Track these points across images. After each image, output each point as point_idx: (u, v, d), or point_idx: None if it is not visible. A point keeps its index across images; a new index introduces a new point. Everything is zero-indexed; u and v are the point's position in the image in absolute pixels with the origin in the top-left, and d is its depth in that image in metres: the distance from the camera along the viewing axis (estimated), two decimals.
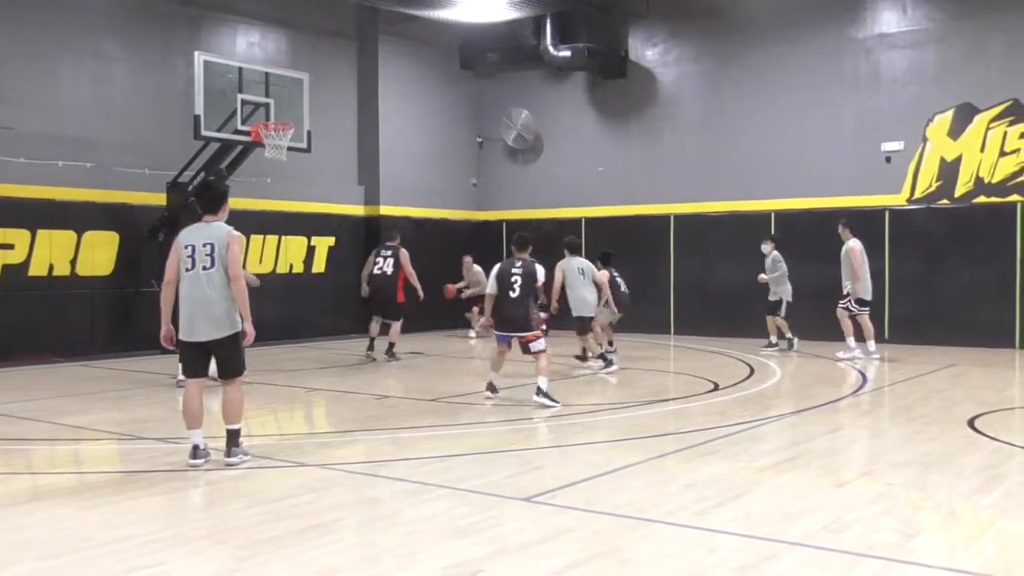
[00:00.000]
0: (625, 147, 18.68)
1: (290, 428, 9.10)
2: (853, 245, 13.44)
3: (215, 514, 5.54)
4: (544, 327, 9.95)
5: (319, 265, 17.47)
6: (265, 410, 9.51)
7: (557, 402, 9.24)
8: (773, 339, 14.90)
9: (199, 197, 7.10)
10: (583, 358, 12.80)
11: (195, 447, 6.63)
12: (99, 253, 14.36)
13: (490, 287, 9.72)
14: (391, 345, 13.71)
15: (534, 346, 9.51)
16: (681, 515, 5.37)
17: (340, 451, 7.49)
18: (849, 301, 13.45)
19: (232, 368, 6.72)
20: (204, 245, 6.61)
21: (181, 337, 6.67)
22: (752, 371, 12.29)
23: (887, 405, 9.87)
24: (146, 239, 14.44)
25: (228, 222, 6.83)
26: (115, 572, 4.46)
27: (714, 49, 17.70)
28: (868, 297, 13.52)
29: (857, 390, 10.60)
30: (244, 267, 12.86)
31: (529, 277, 9.56)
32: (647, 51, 18.47)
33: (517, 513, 5.45)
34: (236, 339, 6.67)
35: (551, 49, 18.13)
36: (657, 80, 18.35)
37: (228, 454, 6.67)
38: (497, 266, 9.84)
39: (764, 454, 7.13)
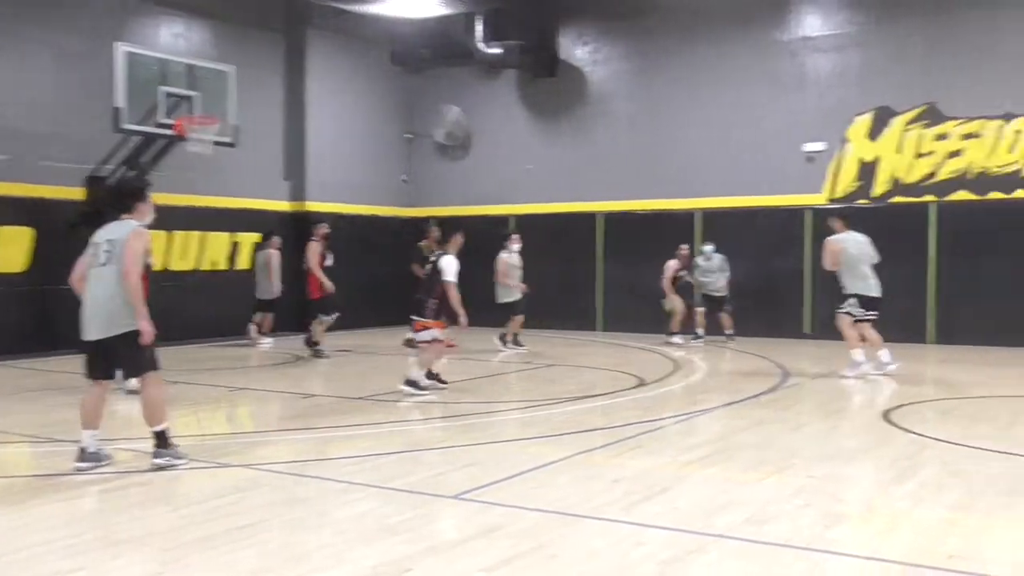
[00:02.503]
0: (555, 145, 18.77)
1: (213, 428, 8.94)
2: (827, 241, 11.54)
3: (136, 517, 5.42)
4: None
5: (243, 262, 17.17)
6: (187, 410, 9.32)
7: (424, 391, 9.71)
8: (727, 333, 15.59)
9: (111, 196, 6.94)
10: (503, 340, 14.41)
11: (81, 449, 6.42)
12: (12, 249, 13.89)
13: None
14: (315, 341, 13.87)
15: (419, 335, 9.90)
16: (608, 510, 5.42)
17: (265, 451, 7.39)
18: (849, 304, 11.23)
19: (133, 367, 6.53)
20: (106, 241, 6.46)
21: (82, 336, 6.50)
22: (677, 366, 12.47)
23: (807, 400, 10.10)
24: (63, 234, 14.03)
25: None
26: None
27: (643, 49, 17.88)
28: (869, 293, 11.19)
29: (779, 385, 10.82)
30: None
31: (435, 269, 9.88)
32: (577, 50, 18.58)
33: (445, 511, 5.45)
34: (133, 337, 6.39)
35: (482, 46, 18.12)
36: (587, 79, 18.47)
37: (155, 455, 6.50)
38: None
39: (689, 448, 7.24)
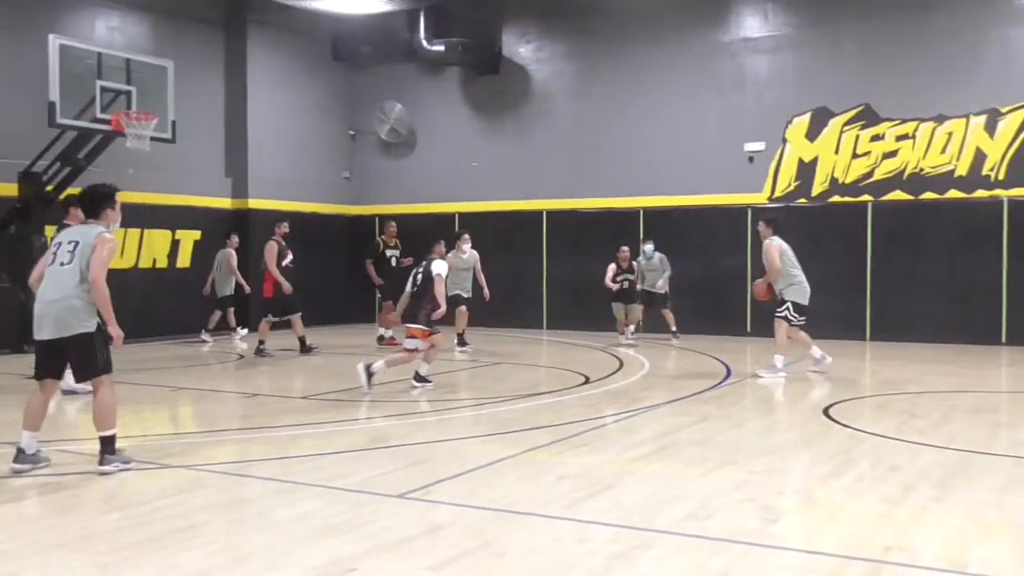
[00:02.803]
0: (498, 143, 18.80)
1: (154, 429, 8.79)
2: (769, 243, 11.40)
3: (74, 520, 5.31)
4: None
5: (184, 259, 16.94)
6: (127, 410, 9.15)
7: (367, 390, 9.70)
8: (672, 330, 15.50)
9: (79, 200, 6.86)
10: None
11: (19, 450, 6.27)
12: None
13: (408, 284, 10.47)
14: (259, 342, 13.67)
15: (408, 342, 10.14)
16: (553, 507, 5.45)
17: (208, 451, 7.29)
18: (787, 309, 11.28)
19: (86, 370, 6.38)
20: (69, 242, 6.38)
21: (34, 335, 6.37)
22: (621, 364, 12.57)
23: (749, 396, 10.26)
24: None
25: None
26: None
27: (586, 48, 17.99)
28: (804, 302, 11.35)
29: (721, 382, 10.97)
30: None
31: (426, 274, 10.19)
32: (520, 48, 18.63)
33: (390, 510, 5.43)
34: (86, 339, 6.26)
35: (425, 43, 18.06)
36: (530, 77, 18.52)
37: (101, 462, 6.33)
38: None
39: (634, 445, 7.31)
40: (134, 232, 16.00)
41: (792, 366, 11.42)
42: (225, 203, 17.82)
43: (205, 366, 12.91)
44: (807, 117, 16.20)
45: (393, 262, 14.64)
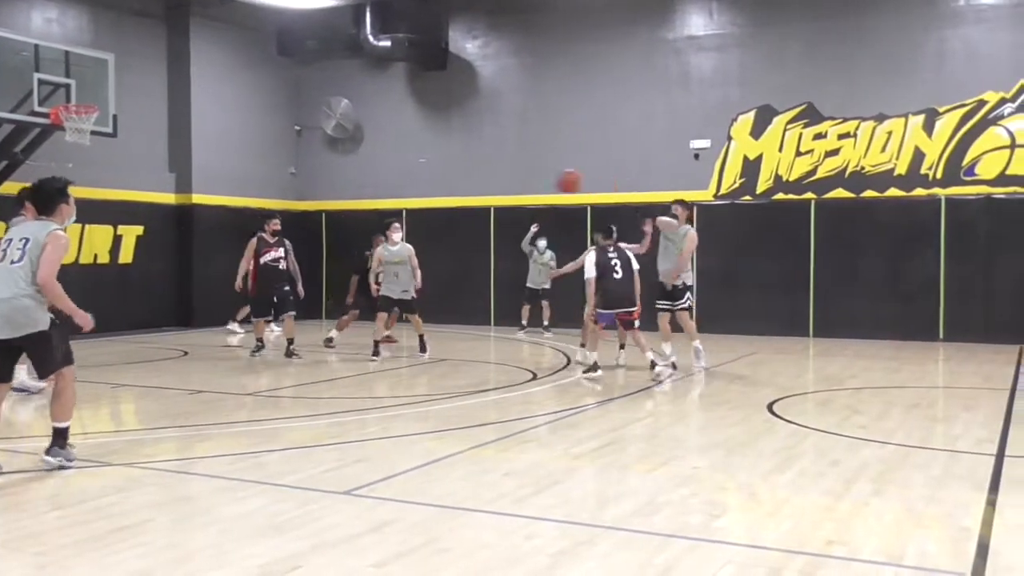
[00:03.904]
0: (446, 139, 18.76)
1: (94, 426, 8.61)
2: (690, 230, 11.62)
3: (10, 520, 5.19)
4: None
5: (126, 255, 16.65)
6: None
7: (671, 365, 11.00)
8: (545, 324, 16.13)
9: (31, 195, 6.70)
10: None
11: None
12: None
13: (589, 272, 10.98)
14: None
15: (638, 323, 10.96)
16: (499, 503, 5.46)
17: (149, 449, 7.18)
18: (688, 300, 11.52)
19: (47, 365, 6.27)
20: (20, 239, 6.23)
21: None
22: (569, 361, 12.62)
23: (694, 392, 10.37)
24: None
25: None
26: None
27: (533, 44, 18.02)
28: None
29: (667, 378, 11.06)
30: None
31: (625, 258, 11.05)
32: (467, 44, 18.60)
33: (336, 507, 5.39)
34: (42, 337, 6.15)
35: (371, 39, 17.96)
36: (477, 73, 18.51)
37: (50, 453, 6.21)
38: (592, 254, 11.15)
39: (580, 441, 7.34)
40: (74, 227, 15.61)
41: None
42: (169, 198, 17.54)
43: (147, 363, 12.69)
44: (751, 115, 16.41)
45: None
